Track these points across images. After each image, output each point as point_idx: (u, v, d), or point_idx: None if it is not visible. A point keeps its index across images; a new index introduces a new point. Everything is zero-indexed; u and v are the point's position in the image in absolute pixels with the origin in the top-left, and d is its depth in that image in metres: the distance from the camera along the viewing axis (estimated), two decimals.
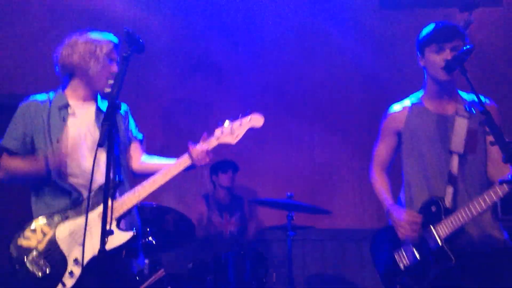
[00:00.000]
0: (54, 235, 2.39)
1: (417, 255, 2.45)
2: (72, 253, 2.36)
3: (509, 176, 2.06)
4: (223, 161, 4.88)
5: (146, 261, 3.56)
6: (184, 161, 2.60)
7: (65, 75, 2.67)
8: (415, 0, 5.46)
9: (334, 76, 5.43)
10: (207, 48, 5.56)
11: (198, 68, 5.53)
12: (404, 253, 2.52)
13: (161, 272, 3.48)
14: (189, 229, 4.18)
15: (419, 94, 2.68)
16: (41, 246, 2.37)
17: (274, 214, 4.94)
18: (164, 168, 2.57)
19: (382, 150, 2.77)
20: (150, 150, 5.15)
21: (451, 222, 2.35)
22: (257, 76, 5.46)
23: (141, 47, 2.35)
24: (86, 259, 2.29)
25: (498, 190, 2.22)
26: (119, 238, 2.35)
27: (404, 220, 2.46)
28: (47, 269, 2.33)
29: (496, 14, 5.41)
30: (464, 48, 2.28)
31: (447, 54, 2.43)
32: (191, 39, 5.59)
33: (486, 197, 2.26)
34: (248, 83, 5.45)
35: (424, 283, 2.41)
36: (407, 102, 2.70)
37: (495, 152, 2.42)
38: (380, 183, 2.74)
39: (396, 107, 2.73)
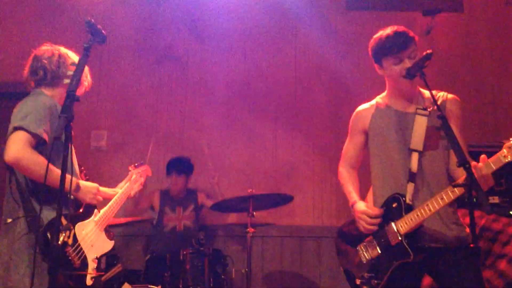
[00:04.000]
0: (75, 235, 2.58)
1: (378, 250, 2.51)
2: (89, 252, 2.65)
3: (464, 180, 2.08)
4: (176, 160, 4.86)
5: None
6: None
7: None
8: (380, 3, 5.54)
9: (299, 75, 5.46)
10: (172, 41, 5.51)
11: (162, 61, 5.47)
12: (366, 247, 2.58)
13: (118, 267, 3.44)
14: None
15: (383, 94, 2.74)
16: (70, 242, 2.52)
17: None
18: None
19: (350, 149, 2.81)
20: (112, 142, 5.19)
21: (411, 219, 2.39)
22: (222, 71, 5.44)
23: (103, 38, 2.31)
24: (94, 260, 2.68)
25: (455, 189, 2.26)
26: (108, 245, 2.86)
27: (365, 213, 2.52)
28: (79, 262, 2.56)
29: (458, 19, 5.55)
30: (424, 53, 2.31)
31: (406, 63, 2.46)
32: (156, 31, 5.52)
33: (444, 196, 2.30)
34: (213, 79, 5.43)
35: (383, 277, 2.46)
36: (373, 102, 2.75)
37: (453, 155, 2.46)
38: (347, 179, 2.77)
39: (363, 106, 2.78)
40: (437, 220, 2.43)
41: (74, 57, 2.87)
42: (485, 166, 2.18)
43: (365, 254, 2.58)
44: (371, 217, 2.51)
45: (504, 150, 2.16)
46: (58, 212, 1.96)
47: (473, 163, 2.18)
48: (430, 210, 2.33)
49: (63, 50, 2.84)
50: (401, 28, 2.54)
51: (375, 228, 2.51)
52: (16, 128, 2.45)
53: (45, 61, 2.72)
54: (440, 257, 2.43)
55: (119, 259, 3.77)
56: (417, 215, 2.37)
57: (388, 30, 2.55)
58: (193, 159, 5.04)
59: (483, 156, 2.22)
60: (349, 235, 2.67)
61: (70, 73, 2.68)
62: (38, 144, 2.49)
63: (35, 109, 2.53)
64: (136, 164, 3.43)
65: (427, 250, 2.42)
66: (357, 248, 2.62)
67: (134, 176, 3.31)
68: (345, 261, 2.72)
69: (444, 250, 2.43)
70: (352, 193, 2.70)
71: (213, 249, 4.10)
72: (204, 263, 3.95)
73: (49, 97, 2.68)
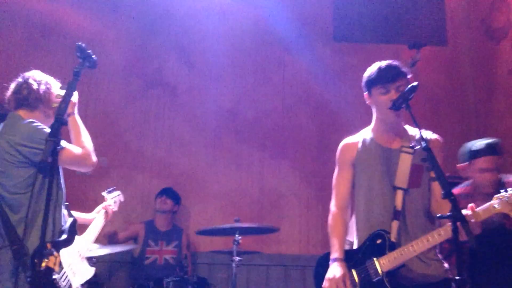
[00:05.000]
0: (60, 261, 2.54)
1: (358, 284, 2.48)
2: (73, 280, 2.61)
3: (449, 213, 2.07)
4: (163, 188, 4.97)
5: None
6: None
7: None
8: (367, 35, 5.67)
9: (286, 103, 5.52)
10: (161, 67, 5.55)
11: (151, 87, 5.49)
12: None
13: None
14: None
15: (369, 127, 2.75)
16: (57, 269, 2.49)
17: (220, 238, 4.91)
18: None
19: (341, 185, 2.73)
20: (98, 167, 5.14)
21: (394, 257, 2.40)
22: (210, 98, 5.47)
23: (93, 63, 2.33)
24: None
25: (442, 232, 2.28)
26: (89, 272, 2.81)
27: (337, 283, 2.45)
28: None
29: (442, 53, 5.69)
30: (409, 86, 2.35)
31: (392, 95, 2.49)
32: (145, 57, 5.56)
33: (429, 238, 2.32)
34: (201, 105, 5.46)
35: None
36: (358, 135, 2.77)
37: (437, 188, 2.49)
38: (334, 228, 2.66)
39: (349, 139, 2.78)
40: (415, 257, 2.42)
41: (59, 90, 2.87)
42: (474, 214, 2.22)
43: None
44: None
45: (494, 201, 2.23)
46: (41, 237, 1.93)
47: (464, 211, 2.18)
48: (414, 251, 2.35)
49: (52, 79, 2.86)
50: (395, 63, 2.60)
51: None
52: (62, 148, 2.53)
53: (32, 83, 2.75)
54: None
55: (101, 286, 3.71)
56: (401, 254, 2.38)
57: (383, 62, 2.61)
58: (179, 185, 5.04)
59: (471, 205, 2.26)
60: (328, 266, 2.64)
61: (55, 103, 2.72)
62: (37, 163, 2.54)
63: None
64: (109, 190, 3.48)
65: None
66: None
67: (107, 202, 3.35)
68: None
69: (425, 287, 2.43)
70: (335, 247, 2.59)
71: (197, 277, 4.05)
72: None
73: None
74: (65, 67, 5.10)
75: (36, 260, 2.34)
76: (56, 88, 2.82)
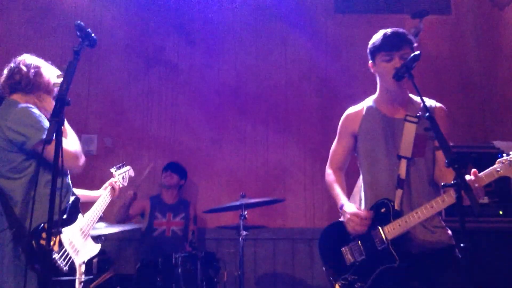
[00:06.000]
0: (60, 240, 2.55)
1: (364, 253, 2.51)
2: (76, 258, 2.63)
3: (453, 181, 2.06)
4: (169, 162, 4.99)
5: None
6: None
7: None
8: (369, 6, 5.59)
9: (289, 77, 5.49)
10: (162, 45, 5.52)
11: (153, 65, 5.47)
12: (351, 249, 2.58)
13: (109, 273, 3.42)
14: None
15: (373, 97, 2.74)
16: (56, 248, 2.50)
17: (227, 213, 4.95)
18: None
19: (338, 151, 2.81)
20: (103, 146, 5.17)
21: (399, 225, 2.41)
22: (212, 75, 5.46)
23: (93, 42, 2.30)
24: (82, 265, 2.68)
25: (446, 198, 2.28)
26: (95, 249, 2.83)
27: (356, 214, 2.51)
28: (66, 268, 2.54)
29: (445, 22, 5.61)
30: (412, 55, 2.32)
31: (396, 62, 2.46)
32: (146, 35, 5.52)
33: (434, 204, 2.32)
34: (203, 82, 5.44)
35: (367, 281, 2.47)
36: (362, 104, 2.75)
37: (440, 157, 2.49)
38: (334, 181, 2.77)
39: (353, 109, 2.78)
40: (419, 225, 2.44)
41: (52, 70, 2.85)
42: (477, 179, 2.21)
43: (350, 257, 2.57)
44: (362, 219, 2.51)
45: (497, 165, 2.22)
46: (49, 216, 1.95)
47: (467, 176, 2.18)
48: (419, 217, 2.36)
49: (43, 62, 2.84)
50: (402, 30, 2.56)
51: (365, 229, 2.51)
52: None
53: (23, 67, 2.74)
54: (425, 262, 2.44)
55: (111, 264, 3.74)
56: (406, 222, 2.39)
57: (389, 29, 2.57)
58: (184, 162, 5.07)
59: (474, 170, 2.25)
60: (333, 236, 2.67)
61: (56, 81, 2.71)
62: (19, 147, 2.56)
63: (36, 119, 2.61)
64: (118, 166, 3.44)
65: (413, 256, 2.44)
66: (342, 250, 2.62)
67: (115, 178, 3.32)
68: (328, 261, 2.71)
69: (428, 254, 2.45)
70: (340, 195, 2.69)
71: (205, 252, 4.10)
72: (197, 266, 3.94)
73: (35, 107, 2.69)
74: (65, 48, 5.09)
75: (33, 241, 2.37)
76: (49, 72, 2.80)
